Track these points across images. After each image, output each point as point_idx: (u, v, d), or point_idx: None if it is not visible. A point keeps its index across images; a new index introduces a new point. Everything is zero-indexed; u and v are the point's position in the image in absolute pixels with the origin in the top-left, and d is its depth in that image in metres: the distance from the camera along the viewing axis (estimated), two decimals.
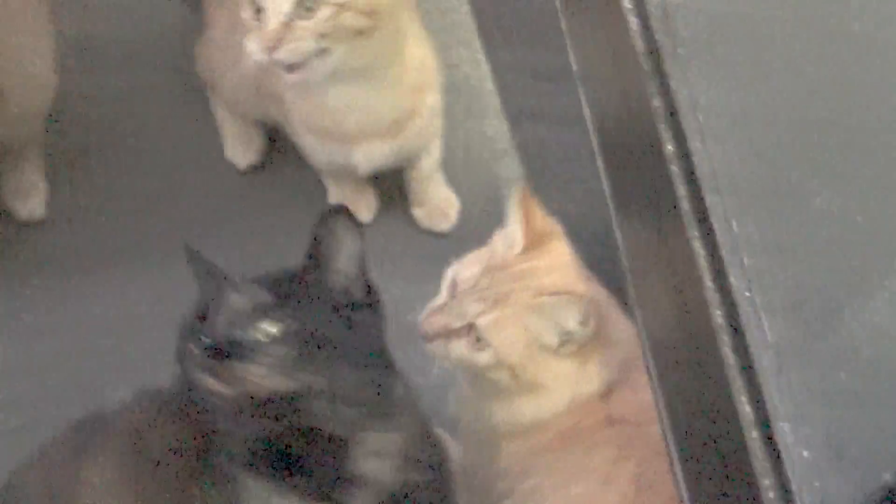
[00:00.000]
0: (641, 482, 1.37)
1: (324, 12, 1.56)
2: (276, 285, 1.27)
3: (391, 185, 2.05)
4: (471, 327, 1.39)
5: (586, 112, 1.28)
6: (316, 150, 1.89)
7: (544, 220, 1.50)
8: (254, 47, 1.58)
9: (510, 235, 1.48)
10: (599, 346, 1.39)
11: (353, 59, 1.65)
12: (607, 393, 1.42)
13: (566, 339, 1.36)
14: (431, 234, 2.07)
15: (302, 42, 1.57)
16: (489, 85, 2.23)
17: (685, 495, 0.96)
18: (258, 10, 1.57)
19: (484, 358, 1.38)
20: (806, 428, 0.85)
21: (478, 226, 2.06)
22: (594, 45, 1.25)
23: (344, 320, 1.26)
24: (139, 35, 2.26)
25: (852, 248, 0.80)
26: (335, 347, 1.23)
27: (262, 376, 1.18)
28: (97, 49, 2.24)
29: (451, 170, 2.09)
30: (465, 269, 1.48)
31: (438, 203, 2.06)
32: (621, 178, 1.19)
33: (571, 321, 1.35)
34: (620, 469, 1.39)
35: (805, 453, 0.85)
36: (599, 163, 1.25)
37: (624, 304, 1.44)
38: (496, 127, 2.19)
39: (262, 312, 1.22)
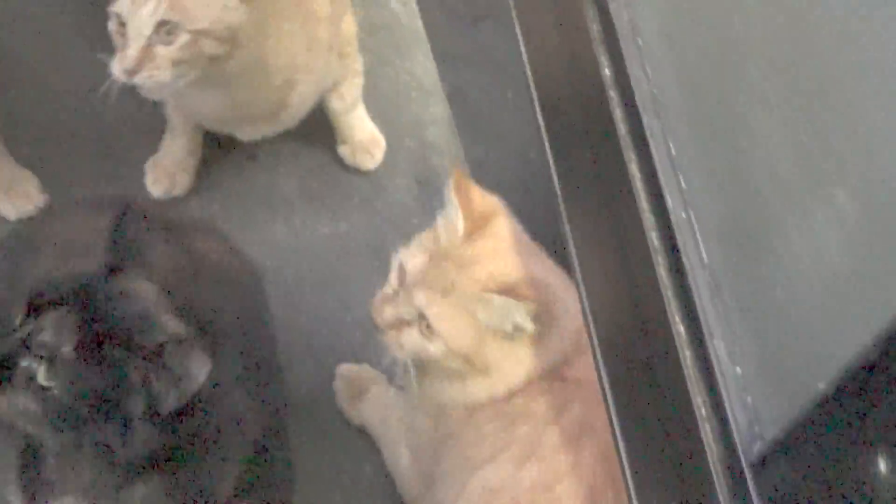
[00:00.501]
0: (584, 424, 1.40)
1: (183, 39, 1.55)
2: (89, 342, 1.18)
3: (318, 122, 2.02)
4: (421, 317, 1.40)
5: (521, 43, 1.27)
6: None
7: (484, 200, 1.48)
8: (116, 68, 1.57)
9: (452, 219, 1.48)
10: (551, 326, 1.40)
11: (210, 76, 1.65)
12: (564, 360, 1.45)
13: (518, 330, 1.38)
14: (358, 172, 2.05)
15: (159, 71, 1.56)
16: (418, 24, 2.21)
17: (616, 422, 0.97)
18: (122, 24, 1.57)
19: (435, 347, 1.40)
20: (739, 345, 0.86)
21: (404, 166, 2.06)
22: None
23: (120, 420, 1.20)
24: None
25: (787, 170, 0.80)
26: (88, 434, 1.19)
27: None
28: None
29: (379, 108, 2.07)
30: (412, 256, 1.47)
31: (363, 141, 2.05)
32: (555, 109, 1.19)
33: (521, 319, 1.37)
34: (565, 413, 1.42)
35: (738, 369, 0.87)
36: (534, 95, 1.25)
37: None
38: (425, 67, 2.18)
39: (51, 362, 1.14)
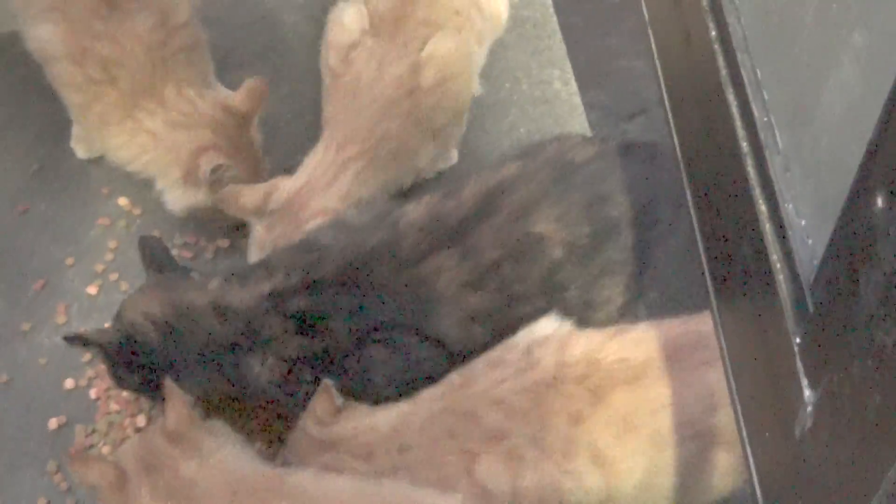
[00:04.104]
0: None
1: None
2: None
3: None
4: None
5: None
6: None
7: None
8: None
9: None
10: None
11: None
12: None
13: None
14: None
15: None
16: (577, 100, 2.54)
17: (711, 280, 1.22)
18: None
19: None
20: (802, 202, 1.12)
21: None
22: None
23: None
24: None
25: (816, 25, 1.06)
26: None
27: None
28: None
29: None
30: None
31: None
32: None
33: None
34: None
35: (802, 222, 1.11)
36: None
37: None
38: None
39: None
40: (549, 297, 1.84)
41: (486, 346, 1.82)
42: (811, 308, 1.05)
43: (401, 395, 1.85)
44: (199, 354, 1.91)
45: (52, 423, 2.17)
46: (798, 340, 1.07)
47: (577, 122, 2.51)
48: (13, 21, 2.35)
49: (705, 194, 1.32)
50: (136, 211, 2.47)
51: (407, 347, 1.85)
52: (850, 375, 0.96)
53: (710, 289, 1.25)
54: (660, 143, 1.97)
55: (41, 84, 2.34)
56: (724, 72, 1.27)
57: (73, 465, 1.73)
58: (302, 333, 1.85)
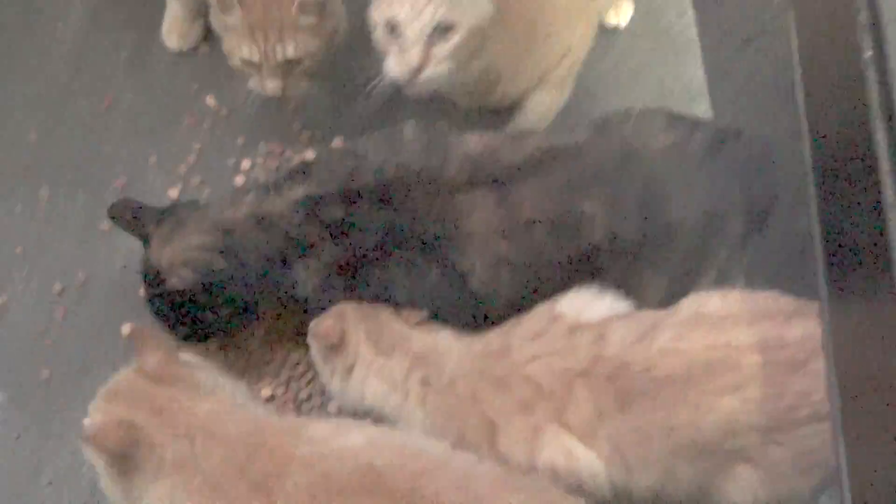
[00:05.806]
0: None
1: (458, 36, 1.70)
2: None
3: None
4: None
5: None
6: None
7: None
8: (395, 70, 1.74)
9: None
10: None
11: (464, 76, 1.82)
12: None
13: None
14: None
15: (440, 67, 1.72)
16: (693, 33, 2.38)
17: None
18: (393, 29, 1.72)
19: None
20: None
21: None
22: None
23: None
24: None
25: None
26: None
27: None
28: None
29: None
30: None
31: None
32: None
33: None
34: None
35: None
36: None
37: None
38: (694, 73, 2.34)
39: None
40: (582, 274, 1.73)
41: (513, 292, 1.74)
42: None
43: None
44: (256, 269, 1.86)
45: (125, 329, 2.15)
46: None
47: (691, 54, 2.36)
48: None
49: (829, 178, 1.20)
50: (223, 112, 2.41)
51: (424, 273, 1.77)
52: None
53: (823, 279, 1.15)
54: (756, 137, 1.80)
55: None
56: (868, 53, 1.13)
57: (85, 445, 1.60)
58: (334, 242, 1.79)
